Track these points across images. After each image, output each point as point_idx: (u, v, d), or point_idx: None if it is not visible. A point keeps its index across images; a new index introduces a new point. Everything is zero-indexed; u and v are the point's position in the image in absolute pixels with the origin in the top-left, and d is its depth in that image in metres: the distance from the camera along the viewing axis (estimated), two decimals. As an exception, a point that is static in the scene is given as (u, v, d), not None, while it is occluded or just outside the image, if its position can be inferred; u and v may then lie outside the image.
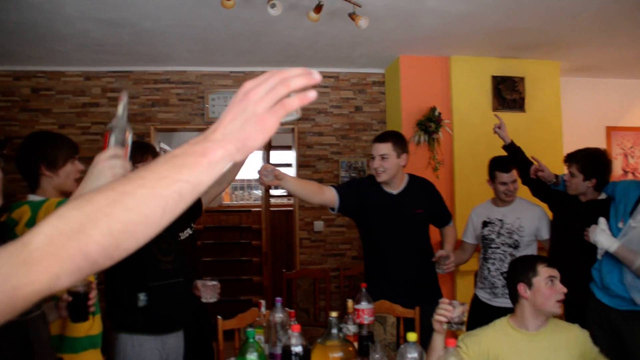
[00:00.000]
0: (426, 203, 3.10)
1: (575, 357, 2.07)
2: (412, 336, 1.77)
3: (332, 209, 2.97)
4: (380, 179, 2.96)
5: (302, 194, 2.84)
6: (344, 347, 1.92)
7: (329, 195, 2.90)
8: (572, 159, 3.08)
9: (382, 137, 3.02)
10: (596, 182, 3.02)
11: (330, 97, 5.20)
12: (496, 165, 3.34)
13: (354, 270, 4.98)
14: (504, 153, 3.54)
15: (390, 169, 2.94)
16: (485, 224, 3.36)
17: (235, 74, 5.08)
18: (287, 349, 1.80)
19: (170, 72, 5.03)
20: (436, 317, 1.95)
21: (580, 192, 3.07)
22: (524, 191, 3.49)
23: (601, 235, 2.70)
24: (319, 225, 5.12)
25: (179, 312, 2.62)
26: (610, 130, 5.89)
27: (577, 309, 2.92)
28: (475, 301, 3.36)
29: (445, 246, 3.15)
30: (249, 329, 1.80)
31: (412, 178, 3.13)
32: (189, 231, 3.12)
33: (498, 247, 3.29)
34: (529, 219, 3.27)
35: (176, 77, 5.04)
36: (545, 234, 3.31)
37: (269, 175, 2.63)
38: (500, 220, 3.32)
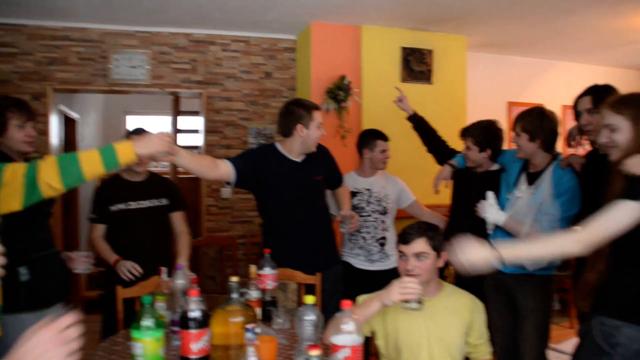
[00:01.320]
0: (325, 169, 3.08)
1: (465, 324, 2.16)
2: (309, 299, 1.77)
3: (228, 183, 2.81)
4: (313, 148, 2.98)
5: (196, 170, 2.61)
6: (244, 311, 1.90)
7: (224, 169, 2.74)
8: (466, 132, 3.18)
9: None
10: (491, 152, 3.13)
11: (240, 62, 5.08)
12: (378, 135, 3.52)
13: (261, 238, 4.95)
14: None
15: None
16: (353, 194, 3.45)
17: (141, 33, 4.82)
18: (184, 315, 1.75)
19: (70, 28, 4.69)
20: (402, 296, 1.90)
21: (479, 163, 3.18)
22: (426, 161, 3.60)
23: (489, 211, 2.79)
24: (226, 192, 5.03)
25: (61, 284, 2.51)
26: (512, 105, 6.17)
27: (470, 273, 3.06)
28: (348, 268, 3.41)
29: (343, 206, 3.14)
30: (145, 296, 1.73)
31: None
32: None
33: (369, 215, 3.45)
34: (392, 188, 3.53)
35: (77, 35, 4.71)
36: (406, 201, 3.61)
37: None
38: (368, 189, 3.49)
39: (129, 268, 2.94)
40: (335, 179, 3.21)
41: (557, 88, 6.35)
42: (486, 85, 6.01)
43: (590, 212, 2.22)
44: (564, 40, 5.54)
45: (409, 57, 4.99)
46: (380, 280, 2.26)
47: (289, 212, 2.95)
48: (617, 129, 1.99)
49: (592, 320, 1.99)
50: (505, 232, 2.83)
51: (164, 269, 2.51)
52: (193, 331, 1.74)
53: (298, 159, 2.97)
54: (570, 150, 3.01)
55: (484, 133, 3.13)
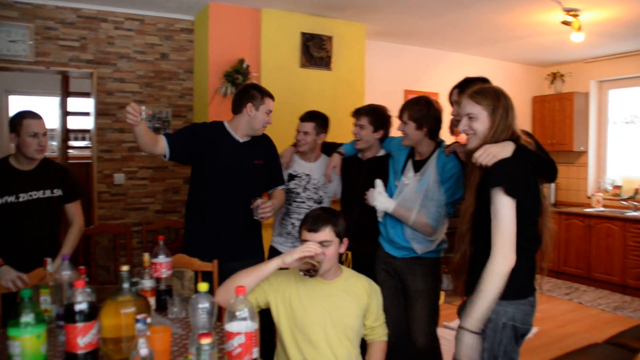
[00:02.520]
0: (266, 157, 3.10)
1: (362, 307, 2.22)
2: (203, 286, 1.74)
3: (164, 156, 2.86)
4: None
5: (145, 142, 2.71)
6: (136, 302, 1.82)
7: (160, 145, 2.81)
8: (361, 112, 3.24)
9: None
10: (382, 134, 3.24)
11: (134, 42, 4.84)
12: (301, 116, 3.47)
13: (158, 225, 4.81)
14: (308, 108, 3.60)
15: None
16: (291, 176, 3.41)
17: (22, 5, 4.44)
18: (69, 307, 1.65)
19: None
20: (302, 253, 2.02)
21: (369, 144, 3.24)
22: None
23: (378, 199, 2.87)
24: (119, 177, 4.81)
25: None
26: (408, 93, 6.34)
27: (365, 258, 3.14)
28: (276, 254, 3.39)
29: (259, 199, 3.03)
30: (24, 289, 1.61)
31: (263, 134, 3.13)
32: None
33: (303, 202, 3.38)
34: (333, 179, 3.40)
35: (-54, 4, 4.29)
36: (339, 194, 3.51)
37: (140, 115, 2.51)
38: (308, 175, 3.41)
39: (13, 279, 2.55)
40: (274, 176, 3.20)
41: (451, 78, 6.47)
42: (384, 73, 6.16)
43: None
44: (458, 32, 5.76)
45: (308, 43, 5.00)
46: None
47: (222, 190, 2.94)
48: (475, 118, 2.11)
49: (467, 300, 2.13)
50: (394, 219, 2.92)
51: (49, 260, 2.35)
52: (79, 324, 1.65)
53: (242, 140, 3.01)
54: (454, 138, 3.17)
55: (378, 114, 3.23)
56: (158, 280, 2.44)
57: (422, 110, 2.84)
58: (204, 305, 1.72)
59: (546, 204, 2.14)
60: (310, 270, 2.04)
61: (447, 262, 3.08)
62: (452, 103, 2.84)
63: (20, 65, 4.51)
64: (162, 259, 2.45)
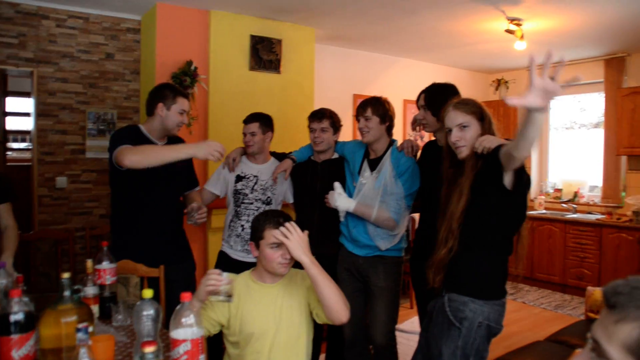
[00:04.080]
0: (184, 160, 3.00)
1: (304, 299, 2.21)
2: (147, 293, 1.69)
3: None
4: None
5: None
6: (78, 310, 1.75)
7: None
8: (322, 116, 3.28)
9: None
10: (338, 136, 3.35)
11: (77, 41, 4.69)
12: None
13: (102, 230, 4.66)
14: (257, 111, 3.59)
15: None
16: (239, 178, 3.39)
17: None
18: (4, 318, 1.57)
19: None
20: (206, 288, 1.91)
21: (329, 146, 3.30)
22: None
23: (339, 200, 2.93)
24: (62, 181, 4.65)
25: None
26: (357, 98, 6.38)
27: (327, 259, 3.14)
28: (224, 258, 3.37)
29: (194, 203, 3.04)
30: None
31: (174, 136, 3.07)
32: None
33: (251, 203, 3.36)
34: (281, 181, 3.40)
35: None
36: (290, 198, 3.52)
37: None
38: (256, 176, 3.38)
39: None
40: (190, 178, 3.18)
41: (400, 83, 6.71)
42: (333, 77, 6.18)
43: (429, 190, 2.76)
44: (406, 38, 5.84)
45: (257, 46, 4.96)
46: None
47: (145, 195, 2.88)
48: (467, 127, 2.21)
49: (442, 297, 2.20)
50: (356, 218, 2.98)
51: (-16, 267, 2.25)
52: (15, 336, 1.58)
53: (159, 142, 2.93)
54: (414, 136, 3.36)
55: (337, 118, 3.32)
56: (102, 287, 2.37)
57: (384, 106, 2.98)
58: (148, 312, 1.67)
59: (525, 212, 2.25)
60: (228, 297, 1.98)
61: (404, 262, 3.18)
62: (419, 107, 2.99)
63: (-47, 62, 4.30)
64: (106, 265, 2.38)
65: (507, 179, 2.05)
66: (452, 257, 2.20)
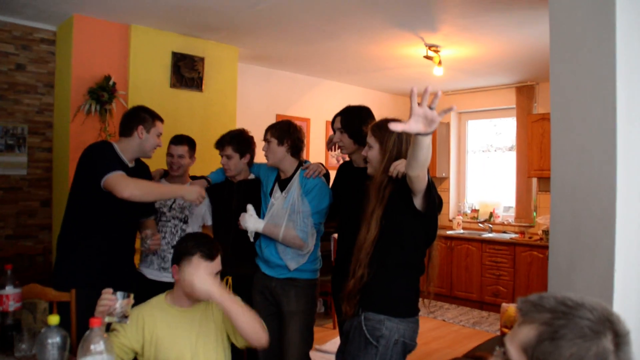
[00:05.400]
0: None
1: (223, 329, 2.17)
2: (53, 319, 1.60)
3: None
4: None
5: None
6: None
7: None
8: (224, 142, 3.28)
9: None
10: (249, 157, 3.34)
11: (-16, 50, 4.44)
12: (171, 139, 3.43)
13: (8, 252, 4.37)
14: (179, 132, 3.55)
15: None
16: None
17: None
18: None
19: None
20: (98, 308, 1.82)
21: (239, 170, 3.31)
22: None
23: (249, 221, 2.96)
24: (-37, 198, 4.35)
25: None
26: (280, 118, 6.40)
27: (244, 280, 3.12)
28: (142, 280, 3.26)
29: (149, 230, 3.10)
30: None
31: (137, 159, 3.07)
32: None
33: (169, 221, 3.34)
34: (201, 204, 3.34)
35: None
36: (209, 220, 3.48)
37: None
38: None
39: None
40: (149, 205, 3.16)
41: (323, 104, 6.79)
42: (256, 96, 6.17)
43: (346, 211, 2.92)
44: (328, 60, 5.94)
45: (179, 63, 4.88)
46: None
47: (106, 220, 2.85)
48: (371, 148, 2.39)
49: (359, 316, 2.24)
50: (267, 238, 3.00)
51: None
52: None
53: (129, 164, 2.92)
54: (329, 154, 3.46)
55: (241, 140, 3.30)
56: (4, 314, 2.22)
57: (282, 128, 3.04)
58: (54, 339, 1.57)
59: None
60: (123, 318, 1.90)
61: (322, 284, 3.18)
62: (334, 129, 3.05)
63: None
64: (9, 290, 2.23)
65: (418, 201, 2.15)
66: (363, 282, 2.25)
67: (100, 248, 2.84)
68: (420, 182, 2.05)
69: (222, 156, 3.28)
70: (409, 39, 4.97)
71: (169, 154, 3.38)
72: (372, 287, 2.25)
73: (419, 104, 1.68)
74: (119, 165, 2.78)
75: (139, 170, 3.03)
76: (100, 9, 4.29)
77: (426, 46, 5.14)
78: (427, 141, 1.81)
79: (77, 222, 2.90)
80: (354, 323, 2.31)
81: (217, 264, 2.12)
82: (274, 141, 3.00)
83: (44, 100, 4.72)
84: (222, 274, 3.14)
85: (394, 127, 1.70)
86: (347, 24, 4.59)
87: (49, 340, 1.60)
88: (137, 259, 3.36)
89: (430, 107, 1.69)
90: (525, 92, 6.91)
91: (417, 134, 1.77)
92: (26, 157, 4.58)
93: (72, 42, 4.41)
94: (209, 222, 3.49)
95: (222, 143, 3.28)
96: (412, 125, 1.71)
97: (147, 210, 3.17)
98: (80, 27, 4.43)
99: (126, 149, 2.92)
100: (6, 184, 4.51)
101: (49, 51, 4.75)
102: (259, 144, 3.22)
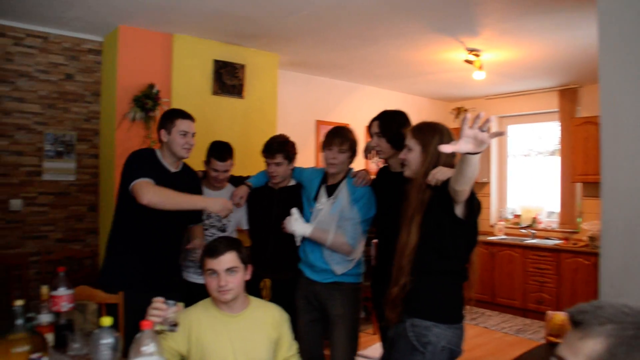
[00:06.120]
0: (192, 190, 3.03)
1: (272, 339, 2.18)
2: (106, 321, 1.64)
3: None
4: None
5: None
6: (30, 339, 1.69)
7: None
8: (276, 149, 3.25)
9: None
10: (294, 164, 3.34)
11: (36, 60, 4.58)
12: (212, 151, 3.41)
13: (58, 255, 4.51)
14: (221, 138, 3.57)
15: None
16: None
17: None
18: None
19: None
20: (149, 317, 1.85)
21: (285, 177, 3.31)
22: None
23: (296, 225, 2.94)
24: (16, 203, 4.49)
25: None
26: (320, 124, 6.44)
27: (284, 285, 3.14)
28: (186, 284, 3.32)
29: (197, 240, 3.11)
30: None
31: (185, 164, 3.11)
32: None
33: (207, 229, 3.37)
34: (235, 208, 3.35)
35: None
36: (245, 225, 3.52)
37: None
38: None
39: None
40: (195, 213, 3.14)
41: (362, 110, 6.79)
42: (296, 103, 6.21)
43: (384, 216, 2.84)
44: (367, 66, 5.94)
45: (221, 70, 4.96)
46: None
47: (154, 223, 2.86)
48: (411, 150, 2.35)
49: (405, 322, 2.22)
50: (312, 243, 2.99)
51: None
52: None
53: (173, 169, 2.96)
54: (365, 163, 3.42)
55: (289, 147, 3.30)
56: (57, 314, 2.28)
57: (352, 140, 3.02)
58: (107, 340, 1.61)
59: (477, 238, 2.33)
60: (172, 326, 1.93)
61: (364, 289, 3.18)
62: (371, 135, 3.00)
63: None
64: (62, 291, 2.30)
65: (459, 209, 2.12)
66: (406, 289, 2.24)
67: (144, 252, 2.89)
68: (464, 195, 2.04)
69: (269, 163, 3.26)
70: (449, 43, 4.93)
71: (214, 169, 3.37)
72: (417, 294, 2.23)
73: (470, 127, 1.74)
74: (152, 171, 2.78)
75: (183, 176, 3.04)
76: (144, 19, 4.40)
77: (466, 50, 5.10)
78: (475, 159, 1.85)
79: (122, 226, 2.96)
80: (399, 330, 2.29)
81: (225, 260, 2.11)
82: (347, 153, 2.99)
83: (91, 109, 4.86)
84: (260, 278, 3.20)
85: (444, 148, 1.77)
86: (386, 30, 4.58)
87: (102, 341, 1.64)
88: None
89: (481, 130, 1.74)
90: (569, 95, 6.77)
91: (467, 153, 1.82)
92: (75, 164, 4.73)
93: (117, 52, 4.53)
94: (245, 227, 3.52)
95: (271, 151, 3.25)
96: (462, 146, 1.77)
97: (193, 216, 3.16)
98: (126, 38, 4.55)
99: (164, 155, 2.96)
100: (56, 189, 4.66)
101: (96, 61, 4.89)
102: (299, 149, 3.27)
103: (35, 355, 1.32)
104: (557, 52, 5.17)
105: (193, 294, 3.17)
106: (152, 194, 2.65)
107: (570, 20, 4.16)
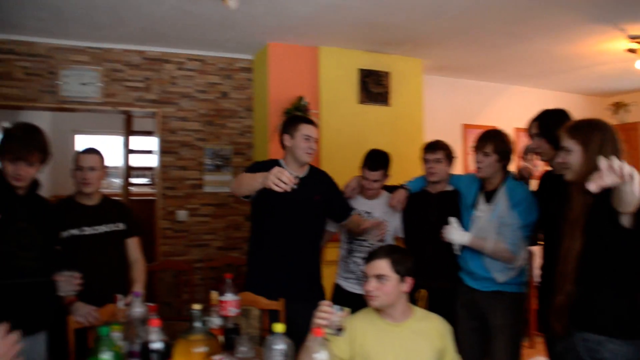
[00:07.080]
0: (325, 190, 3.05)
1: (436, 349, 2.13)
2: (278, 327, 1.69)
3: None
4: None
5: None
6: (208, 341, 1.81)
7: None
8: (436, 146, 3.18)
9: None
10: (452, 168, 3.25)
11: (195, 81, 4.98)
12: (365, 160, 3.33)
13: (219, 262, 4.83)
14: (369, 146, 3.53)
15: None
16: None
17: (92, 49, 4.66)
18: (145, 346, 1.65)
19: (15, 41, 4.47)
20: (316, 320, 1.88)
21: (442, 179, 3.20)
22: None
23: (454, 234, 2.86)
24: (182, 214, 4.89)
25: (35, 314, 2.40)
26: (467, 128, 6.28)
27: (442, 294, 3.05)
28: (339, 291, 3.35)
29: (364, 222, 3.11)
30: (102, 326, 1.62)
31: (312, 167, 3.10)
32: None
33: (365, 240, 3.28)
34: (393, 215, 3.32)
35: (23, 49, 4.50)
36: (400, 232, 3.39)
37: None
38: (368, 212, 3.31)
39: (86, 315, 2.59)
40: (341, 207, 3.16)
41: (510, 111, 6.51)
42: (442, 107, 6.11)
43: (547, 223, 2.66)
44: (516, 65, 5.69)
45: (366, 79, 5.02)
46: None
47: (282, 228, 2.92)
48: (570, 152, 2.14)
49: (574, 337, 2.05)
50: (472, 251, 2.89)
51: (120, 297, 2.38)
52: (154, 365, 1.65)
53: (299, 174, 2.93)
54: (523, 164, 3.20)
55: (450, 149, 3.23)
56: (225, 318, 2.42)
57: (505, 143, 2.88)
58: (280, 346, 1.67)
59: None
60: (338, 331, 1.94)
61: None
62: (531, 136, 2.83)
63: (89, 106, 4.71)
64: (229, 296, 2.42)
65: (625, 219, 1.90)
66: (572, 298, 2.07)
67: (271, 258, 2.92)
68: (629, 211, 1.86)
69: (428, 160, 3.18)
70: (607, 32, 4.57)
71: (364, 178, 3.30)
72: (587, 305, 2.05)
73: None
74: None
75: (312, 179, 3.01)
76: (291, 35, 4.58)
77: (628, 38, 4.68)
78: (628, 188, 1.70)
79: (253, 235, 3.06)
80: (568, 344, 2.13)
81: (374, 266, 2.13)
82: (495, 156, 2.86)
83: (244, 123, 5.16)
84: (417, 286, 3.12)
85: (591, 186, 1.70)
86: (536, 25, 4.37)
87: (275, 347, 1.70)
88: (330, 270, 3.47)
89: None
90: None
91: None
92: (231, 176, 5.03)
93: (267, 67, 4.77)
94: (401, 234, 3.44)
95: (434, 147, 3.19)
96: (606, 179, 1.68)
97: (339, 212, 3.14)
98: (274, 54, 4.78)
99: (288, 162, 2.97)
100: (216, 201, 5.00)
101: (247, 78, 5.18)
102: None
103: (218, 357, 1.42)
104: None
105: (349, 304, 3.22)
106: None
107: None
